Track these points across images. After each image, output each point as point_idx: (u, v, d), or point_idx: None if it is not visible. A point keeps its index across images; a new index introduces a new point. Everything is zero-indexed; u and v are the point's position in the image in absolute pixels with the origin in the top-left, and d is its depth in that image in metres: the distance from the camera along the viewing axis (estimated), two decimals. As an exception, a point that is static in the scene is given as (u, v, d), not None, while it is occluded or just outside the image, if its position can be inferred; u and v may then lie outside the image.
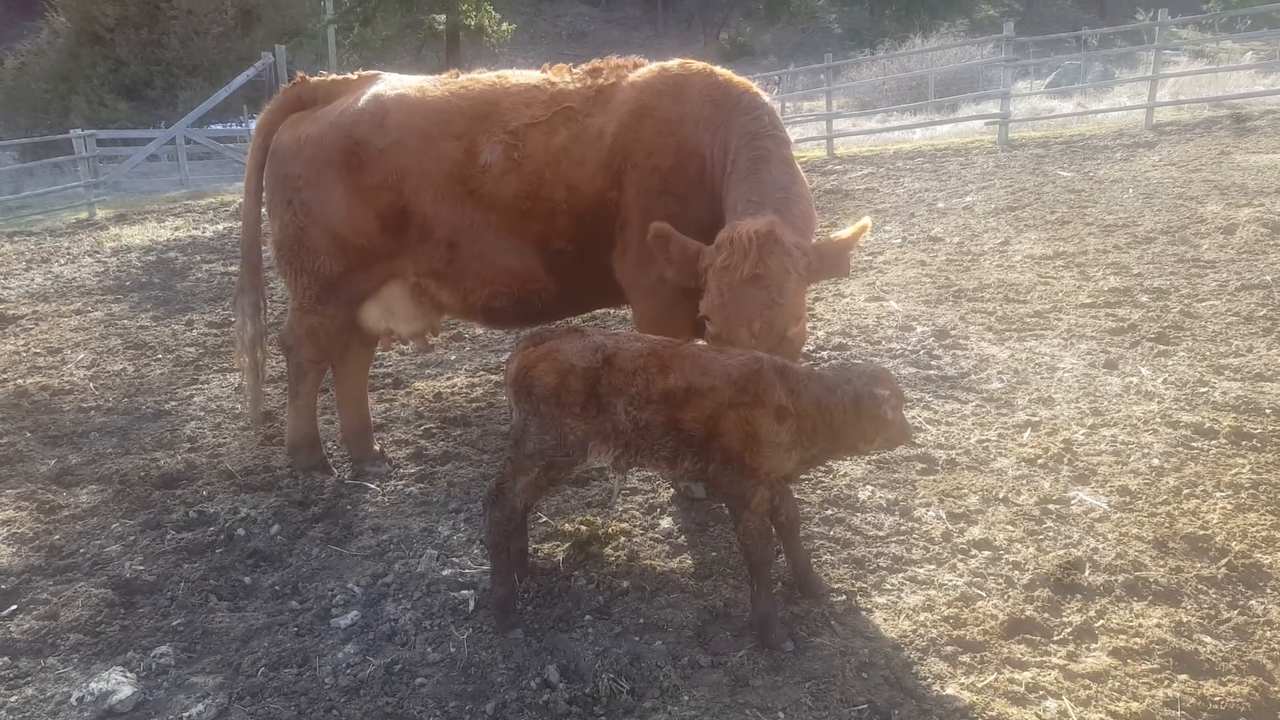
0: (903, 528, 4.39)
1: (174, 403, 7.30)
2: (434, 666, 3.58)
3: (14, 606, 4.22)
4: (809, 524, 4.46)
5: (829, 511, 4.58)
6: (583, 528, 4.52)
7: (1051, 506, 4.50)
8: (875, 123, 25.08)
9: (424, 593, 4.09)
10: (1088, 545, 4.13)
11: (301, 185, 4.76)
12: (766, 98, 4.57)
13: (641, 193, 4.45)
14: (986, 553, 4.12)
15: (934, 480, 4.87)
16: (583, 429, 3.60)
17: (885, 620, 3.69)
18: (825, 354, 7.15)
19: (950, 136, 21.64)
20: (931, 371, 6.52)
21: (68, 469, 5.89)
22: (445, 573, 4.22)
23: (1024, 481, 4.78)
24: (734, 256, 3.73)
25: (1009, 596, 3.79)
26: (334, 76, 5.12)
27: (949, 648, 3.50)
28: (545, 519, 4.69)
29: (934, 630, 3.59)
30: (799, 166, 4.53)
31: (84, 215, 20.61)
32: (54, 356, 9.20)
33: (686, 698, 3.30)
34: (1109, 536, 4.20)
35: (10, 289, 13.20)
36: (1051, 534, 4.25)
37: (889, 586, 3.93)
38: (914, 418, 5.68)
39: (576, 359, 3.59)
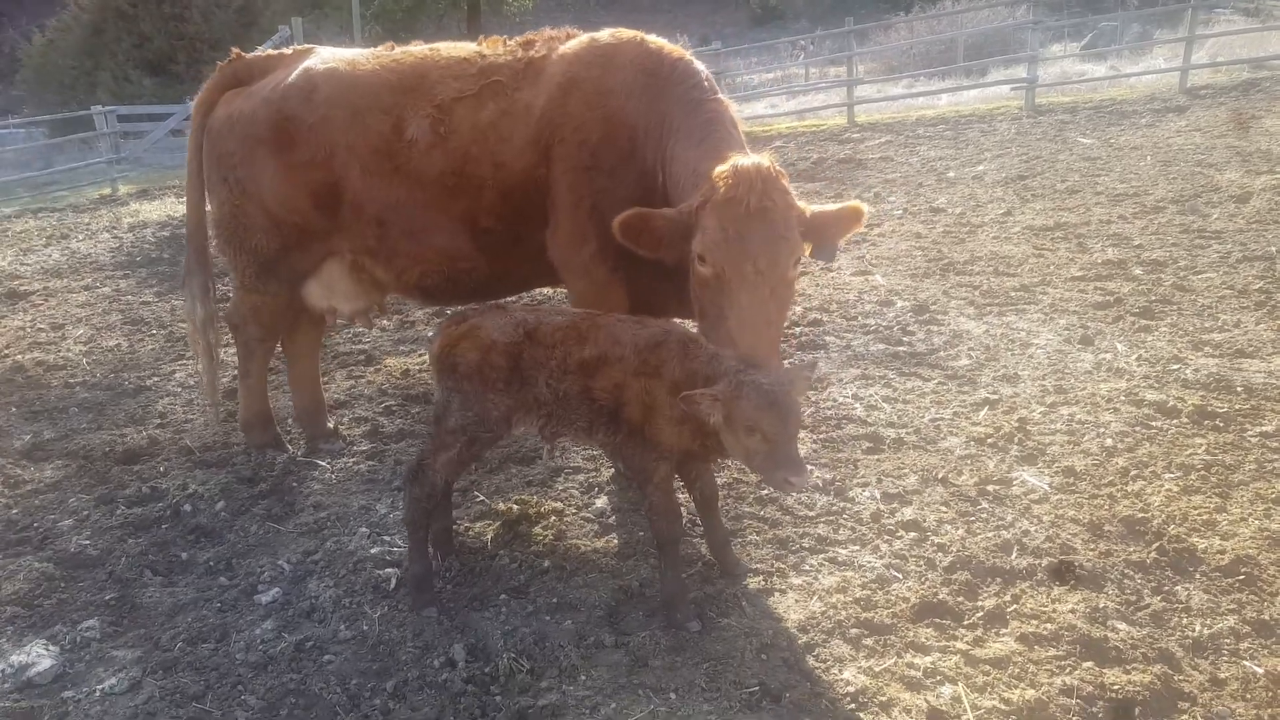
0: (834, 508, 4.33)
1: (156, 379, 7.43)
2: (344, 644, 3.62)
3: (-39, 578, 4.34)
4: (741, 503, 4.42)
5: (764, 491, 4.53)
6: (515, 507, 4.53)
7: (991, 488, 4.40)
8: (901, 88, 24.54)
9: (349, 570, 4.13)
10: (1019, 528, 4.04)
11: (236, 163, 4.76)
12: (700, 64, 4.46)
13: (569, 169, 4.37)
14: (913, 534, 4.05)
15: (877, 460, 4.79)
16: (506, 403, 3.61)
17: (797, 601, 3.65)
18: (800, 329, 7.05)
19: (976, 103, 21.12)
20: (900, 348, 6.40)
21: (40, 444, 6.03)
22: (374, 550, 4.25)
23: (968, 462, 4.68)
24: (738, 189, 3.50)
25: (926, 579, 3.72)
26: (271, 51, 5.11)
27: (854, 630, 3.45)
28: (482, 498, 4.70)
29: (843, 612, 3.55)
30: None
31: (107, 191, 20.98)
32: (55, 332, 9.39)
33: (584, 678, 3.30)
34: (1043, 519, 4.10)
35: (27, 265, 13.49)
36: (985, 516, 4.16)
37: (808, 567, 3.88)
38: (872, 396, 5.59)
39: (499, 335, 3.59)
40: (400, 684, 3.35)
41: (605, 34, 4.60)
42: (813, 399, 5.64)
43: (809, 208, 3.82)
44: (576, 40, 4.61)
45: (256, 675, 3.48)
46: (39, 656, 3.63)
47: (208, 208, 5.13)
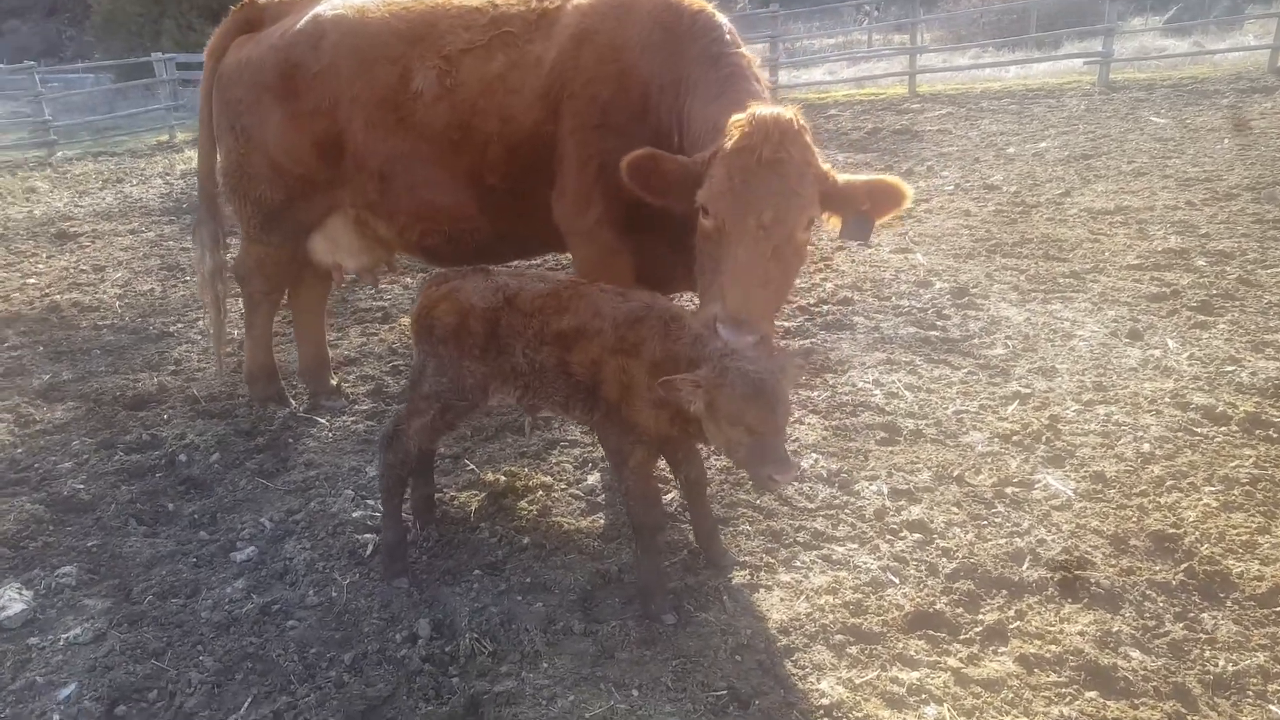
0: (836, 501, 4.08)
1: (180, 325, 7.43)
2: (310, 610, 3.51)
3: (-45, 516, 4.34)
4: (737, 490, 4.20)
5: (766, 477, 4.29)
6: (503, 478, 4.37)
7: (1009, 490, 4.10)
8: (968, 59, 23.58)
9: (328, 533, 4.02)
10: (1035, 536, 3.75)
11: (242, 110, 4.62)
12: (722, 17, 4.17)
13: (578, 126, 4.13)
14: (918, 535, 3.79)
15: (890, 452, 4.51)
16: (482, 371, 3.43)
17: (782, 600, 3.43)
18: (827, 308, 6.74)
19: (1046, 76, 20.21)
20: (932, 333, 6.07)
21: (57, 384, 6.05)
22: (355, 514, 4.13)
23: (989, 460, 4.38)
24: (752, 138, 3.25)
25: (925, 586, 3.46)
26: (281, -2, 4.93)
27: (840, 636, 3.22)
28: (472, 466, 4.55)
29: (830, 615, 3.32)
30: None
31: (164, 138, 21.28)
32: (96, 274, 9.50)
33: (546, 665, 3.14)
34: (1063, 528, 3.80)
35: (81, 207, 13.73)
36: (998, 520, 3.88)
37: (799, 564, 3.65)
38: (894, 383, 5.29)
39: (477, 299, 3.40)
40: (359, 656, 3.23)
41: None
42: (830, 383, 5.37)
43: (839, 175, 3.53)
44: None
45: (218, 636, 3.39)
46: (10, 600, 3.59)
47: (218, 157, 5.01)
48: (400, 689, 3.07)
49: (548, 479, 4.37)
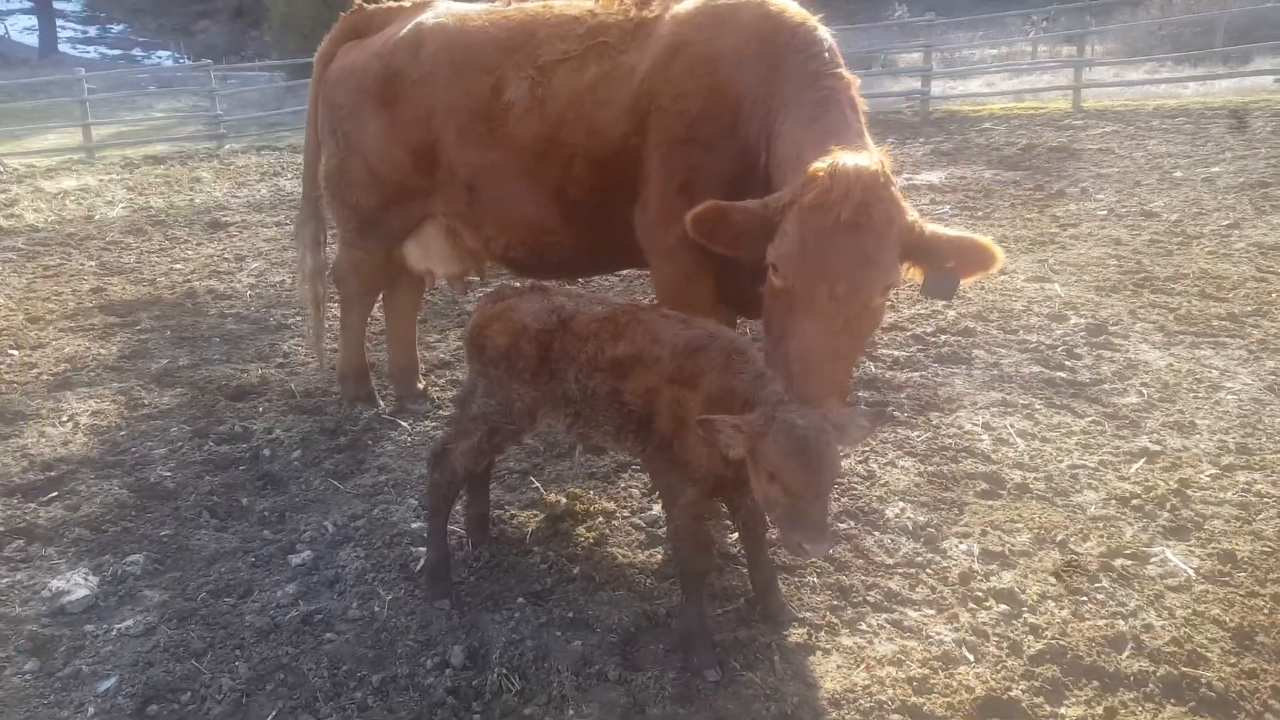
0: (918, 559, 3.70)
1: (298, 318, 7.67)
2: (350, 624, 3.45)
3: (54, 493, 4.56)
4: (809, 535, 3.88)
5: (843, 525, 3.96)
6: (564, 500, 4.21)
7: (1120, 562, 3.62)
8: (1142, 74, 21.90)
9: (385, 543, 3.97)
10: (1142, 619, 3.28)
11: (343, 116, 4.68)
12: (825, 31, 3.87)
13: (663, 140, 3.94)
14: (1004, 606, 3.38)
15: (989, 506, 4.08)
16: (532, 395, 3.29)
17: (839, 667, 3.11)
18: (945, 338, 6.27)
19: (1230, 94, 18.47)
20: (1059, 374, 5.52)
21: (172, 370, 6.34)
22: (415, 525, 4.07)
23: (1101, 525, 3.89)
24: (831, 194, 2.97)
25: (1003, 666, 3.07)
26: (391, 4, 4.96)
27: (896, 716, 2.88)
28: (537, 485, 4.42)
29: (890, 690, 2.98)
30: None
31: (324, 133, 22.41)
32: (236, 263, 10.01)
33: (572, 712, 2.95)
34: (1177, 613, 3.31)
35: (237, 198, 14.57)
36: (1101, 597, 3.41)
37: (865, 627, 3.31)
38: (1006, 428, 4.82)
39: (531, 320, 3.26)
40: (387, 679, 3.14)
41: None
42: (933, 422, 4.95)
43: (927, 226, 3.21)
44: None
45: (258, 642, 3.37)
46: (76, 585, 3.71)
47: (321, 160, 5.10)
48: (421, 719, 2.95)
49: (610, 505, 4.18)
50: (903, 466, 4.47)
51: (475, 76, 4.29)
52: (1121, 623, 3.26)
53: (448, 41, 4.41)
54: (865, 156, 3.13)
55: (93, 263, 10.13)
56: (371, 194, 4.72)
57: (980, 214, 10.27)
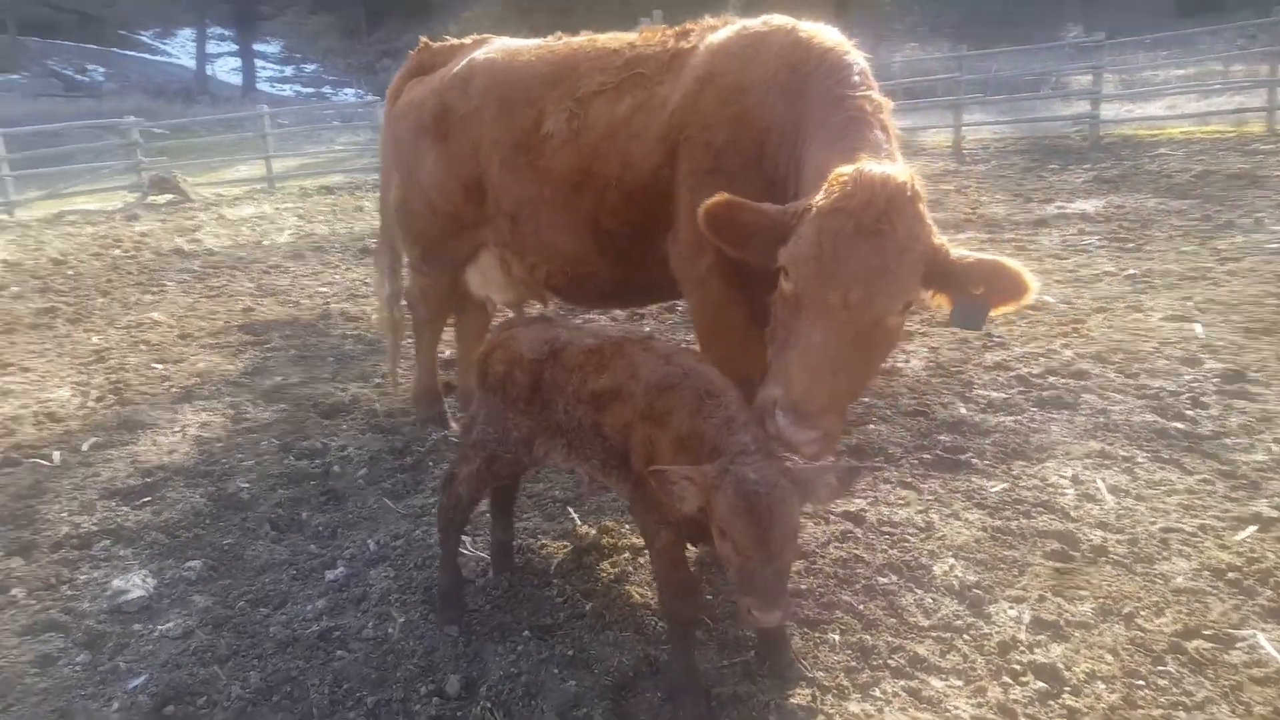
0: (957, 622, 3.36)
1: (409, 341, 7.99)
2: (363, 643, 3.49)
3: (147, 498, 4.91)
4: (841, 589, 3.61)
5: (883, 579, 3.66)
6: (593, 532, 4.12)
7: (1195, 644, 3.14)
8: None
9: (417, 565, 4.02)
10: (1209, 713, 2.83)
11: (406, 149, 4.85)
12: (857, 56, 3.65)
13: (691, 171, 3.83)
14: (1042, 684, 3.00)
15: (1055, 569, 3.66)
16: (527, 424, 3.27)
17: (838, 736, 2.86)
18: (1053, 380, 5.75)
19: None
20: (1176, 424, 4.92)
21: (282, 387, 6.73)
22: (449, 549, 4.10)
23: (1184, 599, 3.40)
24: (853, 199, 2.79)
25: (1024, 755, 2.72)
26: (454, 41, 5.11)
27: (887, 798, 2.61)
28: (574, 515, 4.35)
29: (888, 768, 2.70)
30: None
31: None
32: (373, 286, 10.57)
33: (546, 756, 2.85)
34: (1255, 709, 2.83)
35: (389, 225, 15.46)
36: (1163, 683, 2.97)
37: (878, 694, 3.03)
38: (1097, 482, 4.34)
39: (526, 350, 3.25)
40: (381, 702, 3.15)
41: (756, 21, 3.97)
42: (1013, 472, 4.53)
43: (955, 250, 2.95)
44: (727, 28, 4.02)
45: (276, 653, 3.47)
46: (134, 586, 3.96)
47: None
48: (400, 748, 2.94)
49: (639, 541, 4.05)
50: (967, 519, 4.10)
51: (519, 110, 4.35)
52: (1183, 714, 2.82)
53: (495, 77, 4.50)
54: (895, 166, 2.93)
55: (251, 285, 10.99)
56: (431, 224, 4.86)
57: (1130, 246, 9.44)
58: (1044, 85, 25.10)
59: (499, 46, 4.73)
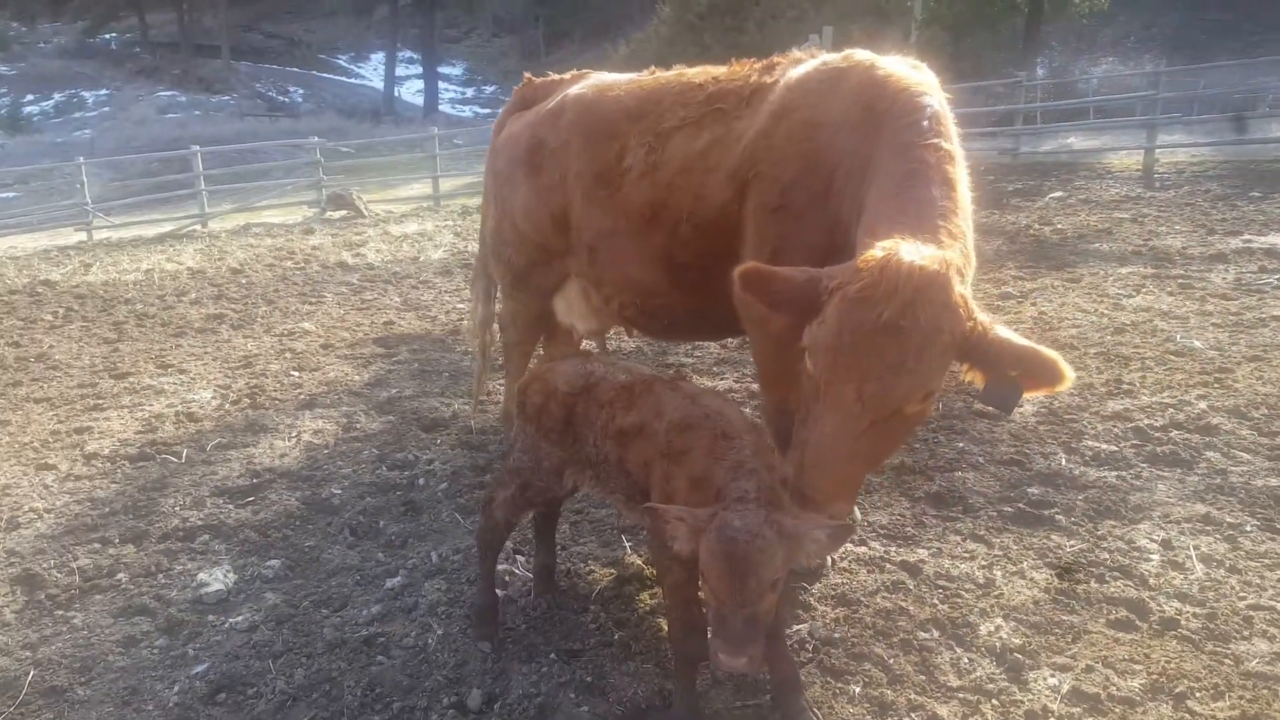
0: (988, 686, 3.18)
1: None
2: (403, 650, 3.68)
3: (251, 498, 5.35)
4: (880, 640, 3.49)
5: (924, 634, 3.51)
6: (637, 561, 4.15)
7: (1257, 736, 2.85)
8: None
9: (470, 579, 4.16)
10: (1252, 817, 2.55)
11: (502, 181, 5.07)
12: (934, 99, 3.53)
13: (758, 207, 3.82)
14: (1066, 763, 2.80)
15: (1113, 640, 3.39)
16: (559, 456, 3.38)
17: (834, 792, 2.77)
18: (1175, 434, 5.30)
19: None
20: (1297, 488, 4.45)
21: (396, 399, 7.14)
22: (501, 566, 4.23)
23: (1252, 684, 3.08)
24: (877, 289, 2.74)
25: (1027, 836, 2.54)
26: (555, 76, 5.30)
27: None
28: (629, 545, 4.40)
29: (877, 832, 2.60)
30: (967, 189, 3.41)
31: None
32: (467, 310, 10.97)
33: (542, 778, 2.92)
34: (1309, 819, 2.53)
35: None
36: (1207, 777, 2.71)
37: (886, 752, 2.91)
38: (1188, 549, 3.99)
39: (562, 383, 3.37)
40: (404, 709, 3.32)
41: (837, 56, 3.92)
42: (1098, 531, 4.22)
43: (996, 329, 2.81)
44: (808, 63, 4.00)
45: (324, 654, 3.70)
46: (215, 580, 4.32)
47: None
48: (412, 754, 3.08)
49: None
50: (1031, 578, 3.86)
51: (603, 144, 4.46)
52: (1219, 815, 2.57)
53: (583, 111, 4.63)
54: (930, 252, 2.80)
55: (399, 299, 11.65)
56: (520, 253, 5.05)
57: (1313, 289, 8.56)
58: (1261, 103, 22.96)
59: (593, 81, 4.88)
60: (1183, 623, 3.46)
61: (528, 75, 5.48)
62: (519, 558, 4.35)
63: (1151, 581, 3.77)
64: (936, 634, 3.52)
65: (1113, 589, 3.73)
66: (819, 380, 2.85)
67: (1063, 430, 5.55)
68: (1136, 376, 6.40)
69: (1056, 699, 3.08)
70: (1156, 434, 5.36)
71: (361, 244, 16.52)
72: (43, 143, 38.77)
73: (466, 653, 3.60)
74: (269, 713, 3.37)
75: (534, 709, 3.22)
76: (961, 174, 3.36)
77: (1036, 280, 9.94)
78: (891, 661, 3.36)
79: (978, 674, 3.25)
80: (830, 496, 2.74)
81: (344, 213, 20.96)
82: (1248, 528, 4.16)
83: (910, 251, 2.76)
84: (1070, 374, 2.72)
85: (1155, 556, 3.97)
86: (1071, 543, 4.14)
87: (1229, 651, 3.27)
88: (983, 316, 2.81)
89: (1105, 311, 8.35)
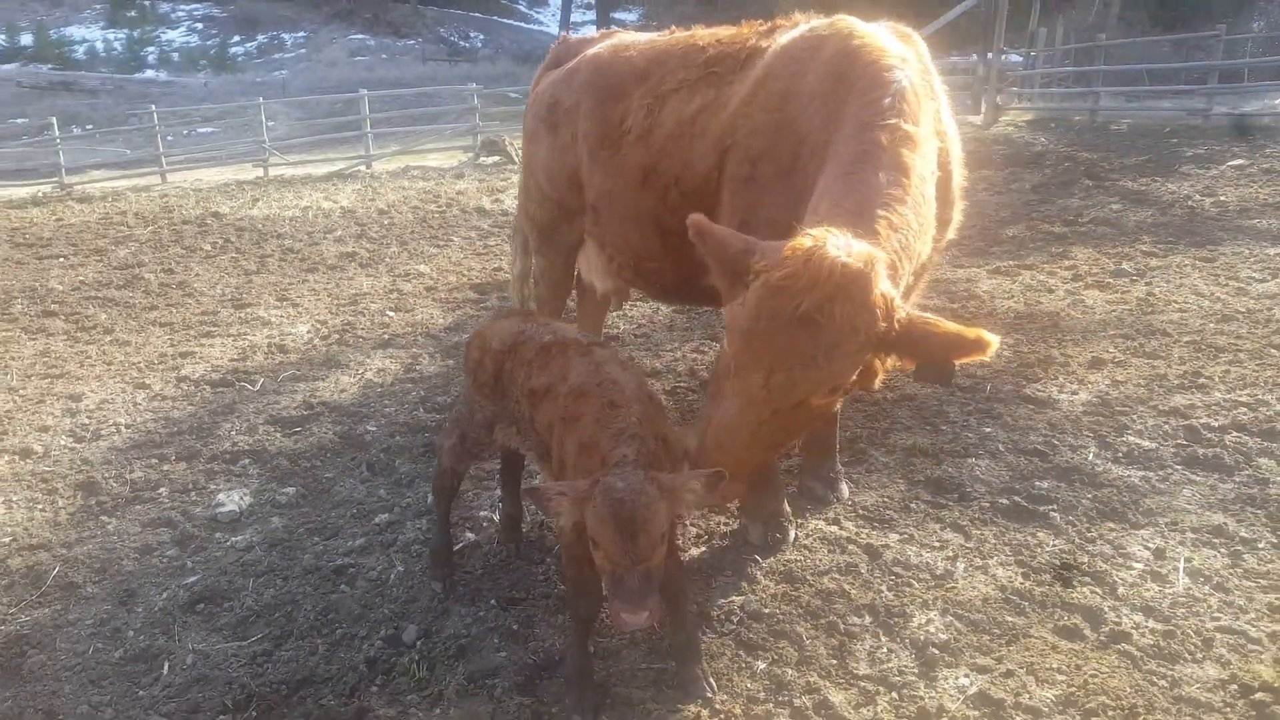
0: (893, 678, 3.08)
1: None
2: (365, 583, 3.95)
3: (299, 429, 5.75)
4: (807, 620, 3.44)
5: (854, 619, 3.43)
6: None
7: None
8: None
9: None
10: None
11: (528, 139, 5.18)
12: (904, 73, 3.33)
13: (731, 177, 3.76)
14: (938, 765, 2.71)
15: (1049, 647, 3.20)
16: (490, 410, 3.53)
17: (696, 761, 2.81)
18: (1230, 437, 4.83)
19: None
20: (1340, 506, 4.00)
21: (460, 345, 7.34)
22: (482, 513, 4.44)
23: (1179, 711, 2.85)
24: (798, 280, 2.67)
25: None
26: (589, 35, 5.31)
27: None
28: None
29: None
30: (925, 174, 3.23)
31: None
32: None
33: (439, 711, 3.11)
34: None
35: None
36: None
37: (763, 731, 2.91)
38: (1180, 563, 3.69)
39: (495, 340, 3.50)
40: (344, 635, 3.59)
41: (823, 22, 3.75)
42: (1089, 534, 3.96)
43: (920, 319, 2.72)
44: (798, 28, 3.86)
45: (297, 578, 4.01)
46: (232, 502, 4.73)
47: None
48: (327, 680, 3.32)
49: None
50: (994, 575, 3.69)
51: (611, 105, 4.47)
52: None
53: (595, 72, 4.65)
54: (858, 248, 2.69)
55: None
56: (544, 209, 5.15)
57: None
58: None
59: (613, 41, 4.88)
60: (1134, 638, 3.23)
61: (563, 34, 5.54)
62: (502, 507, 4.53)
63: (1121, 591, 3.52)
64: (868, 620, 3.44)
65: (1075, 595, 3.51)
66: (731, 360, 2.84)
67: (1107, 422, 5.16)
68: (1220, 370, 5.84)
69: (958, 700, 2.97)
70: (1209, 435, 4.90)
71: (504, 190, 16.59)
72: (244, 81, 41.57)
73: (419, 590, 3.83)
74: (230, 625, 3.72)
75: (455, 649, 3.41)
76: (920, 158, 3.18)
77: (1165, 258, 9.08)
78: (809, 642, 3.32)
79: (889, 665, 3.17)
80: (731, 473, 2.73)
81: (496, 158, 21.25)
82: (1260, 544, 3.79)
83: (837, 245, 2.67)
84: (994, 340, 2.59)
85: (1139, 565, 3.69)
86: (1056, 542, 3.91)
87: (1169, 673, 3.04)
88: (903, 314, 2.71)
89: (1222, 296, 7.57)
